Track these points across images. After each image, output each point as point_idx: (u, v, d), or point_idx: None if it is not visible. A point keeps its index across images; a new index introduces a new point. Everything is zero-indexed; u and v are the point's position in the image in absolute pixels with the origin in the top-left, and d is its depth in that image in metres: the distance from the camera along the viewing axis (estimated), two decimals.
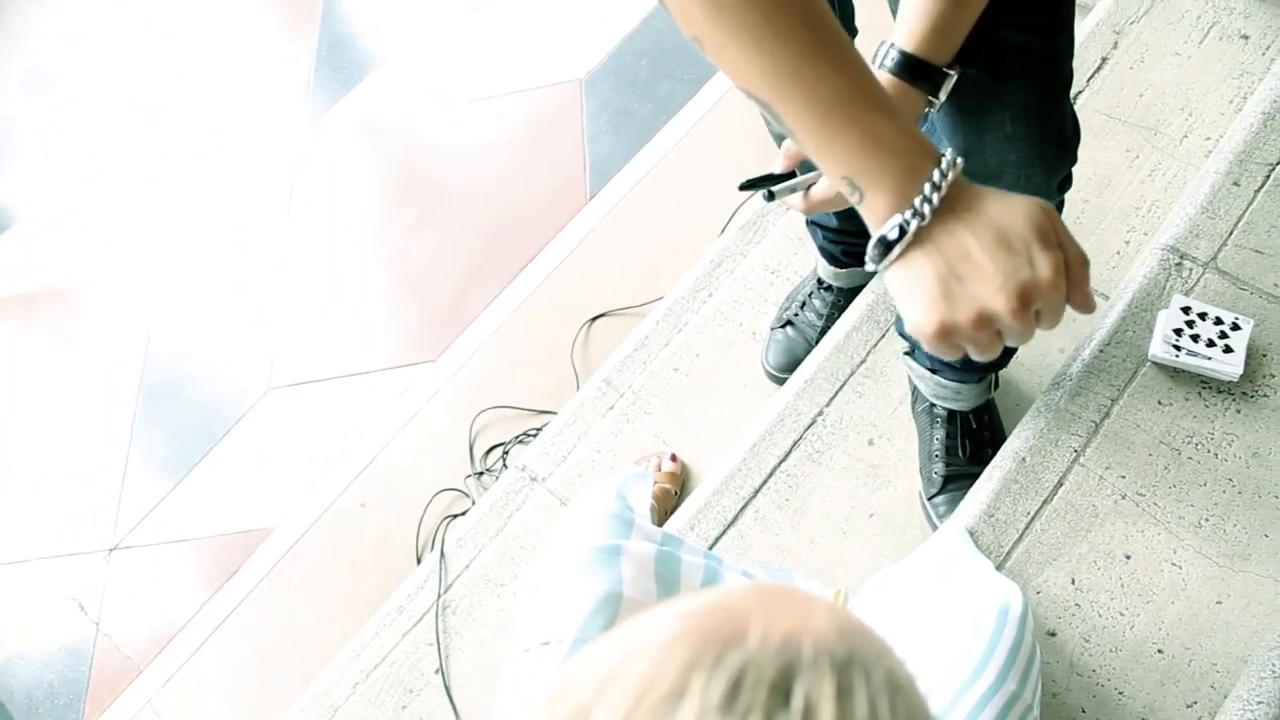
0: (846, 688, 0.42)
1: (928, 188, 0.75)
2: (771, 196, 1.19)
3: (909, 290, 0.78)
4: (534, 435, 2.22)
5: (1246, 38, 2.11)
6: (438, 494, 2.23)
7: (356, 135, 2.93)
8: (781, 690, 0.41)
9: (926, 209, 0.75)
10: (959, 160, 0.77)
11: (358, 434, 2.40)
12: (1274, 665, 1.22)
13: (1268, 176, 1.71)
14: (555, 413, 2.20)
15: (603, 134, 2.73)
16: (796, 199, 1.21)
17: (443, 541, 2.02)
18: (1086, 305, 0.79)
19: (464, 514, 2.14)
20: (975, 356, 0.80)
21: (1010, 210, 0.77)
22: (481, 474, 2.25)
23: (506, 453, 2.26)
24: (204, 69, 3.26)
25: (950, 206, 0.76)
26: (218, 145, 3.05)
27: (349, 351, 2.54)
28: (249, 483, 2.43)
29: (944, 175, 0.76)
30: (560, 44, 2.95)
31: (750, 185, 1.21)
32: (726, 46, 0.76)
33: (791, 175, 1.20)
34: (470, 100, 2.89)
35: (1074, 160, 1.31)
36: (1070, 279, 0.77)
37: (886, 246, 0.77)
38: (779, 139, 1.63)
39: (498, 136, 2.81)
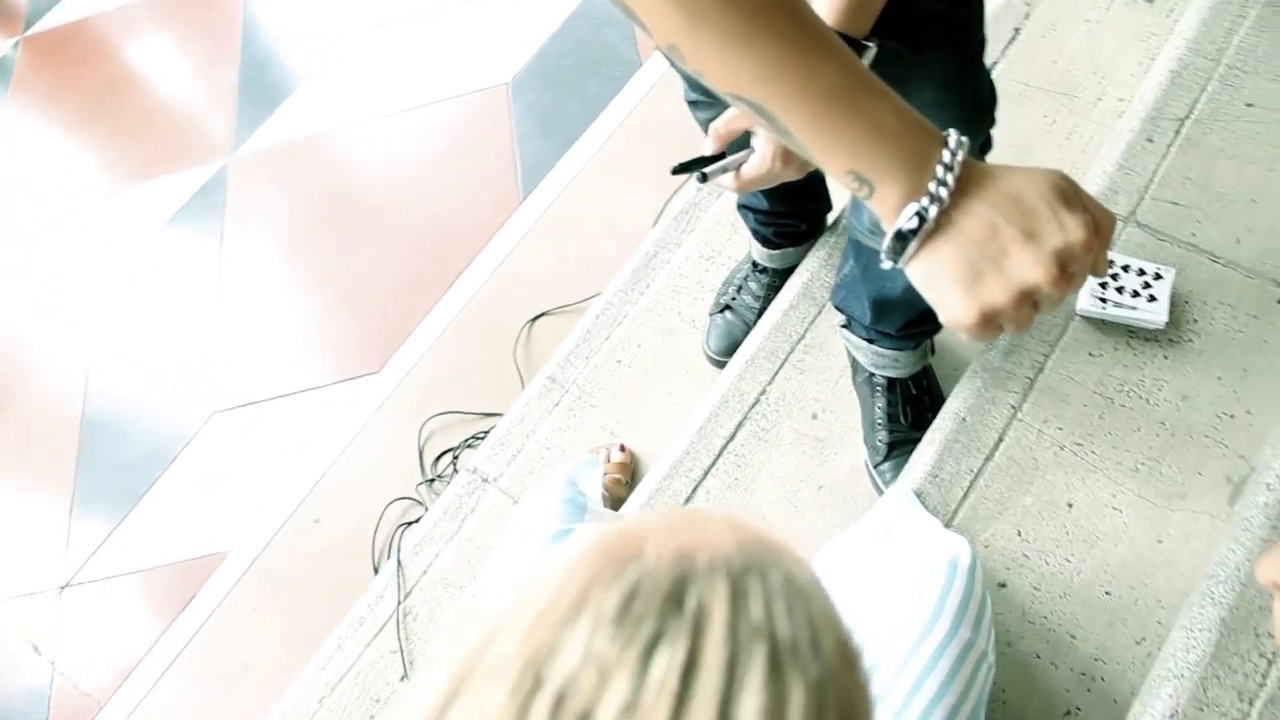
0: (741, 591, 0.43)
1: (940, 170, 0.72)
2: (704, 178, 1.21)
3: (938, 281, 0.74)
4: (482, 438, 2.23)
5: (1151, 1, 2.16)
6: (391, 503, 2.23)
7: (285, 154, 2.93)
8: (675, 598, 0.42)
9: (944, 192, 0.72)
10: (965, 139, 0.73)
11: (306, 450, 2.39)
12: (1213, 592, 1.26)
13: (1178, 132, 1.76)
14: (502, 414, 2.21)
15: (532, 136, 2.75)
16: (728, 179, 1.23)
17: (399, 549, 2.02)
18: (1101, 266, 0.76)
19: (418, 521, 2.14)
20: (1011, 334, 0.77)
21: (1028, 180, 0.74)
22: (433, 480, 2.25)
23: (456, 457, 2.26)
24: (129, 99, 3.23)
25: (964, 187, 0.73)
26: (145, 174, 3.03)
27: (292, 370, 2.53)
28: (199, 508, 2.42)
29: (954, 155, 0.72)
30: (484, 50, 2.96)
31: (683, 169, 1.23)
32: (707, 52, 0.72)
33: (722, 156, 1.23)
34: (397, 112, 2.90)
35: (993, 122, 1.35)
36: (1100, 239, 0.74)
37: (903, 239, 0.73)
38: (705, 124, 1.65)
39: (428, 146, 2.81)
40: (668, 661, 0.40)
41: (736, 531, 0.48)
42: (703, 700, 0.39)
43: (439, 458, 2.27)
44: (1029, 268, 0.71)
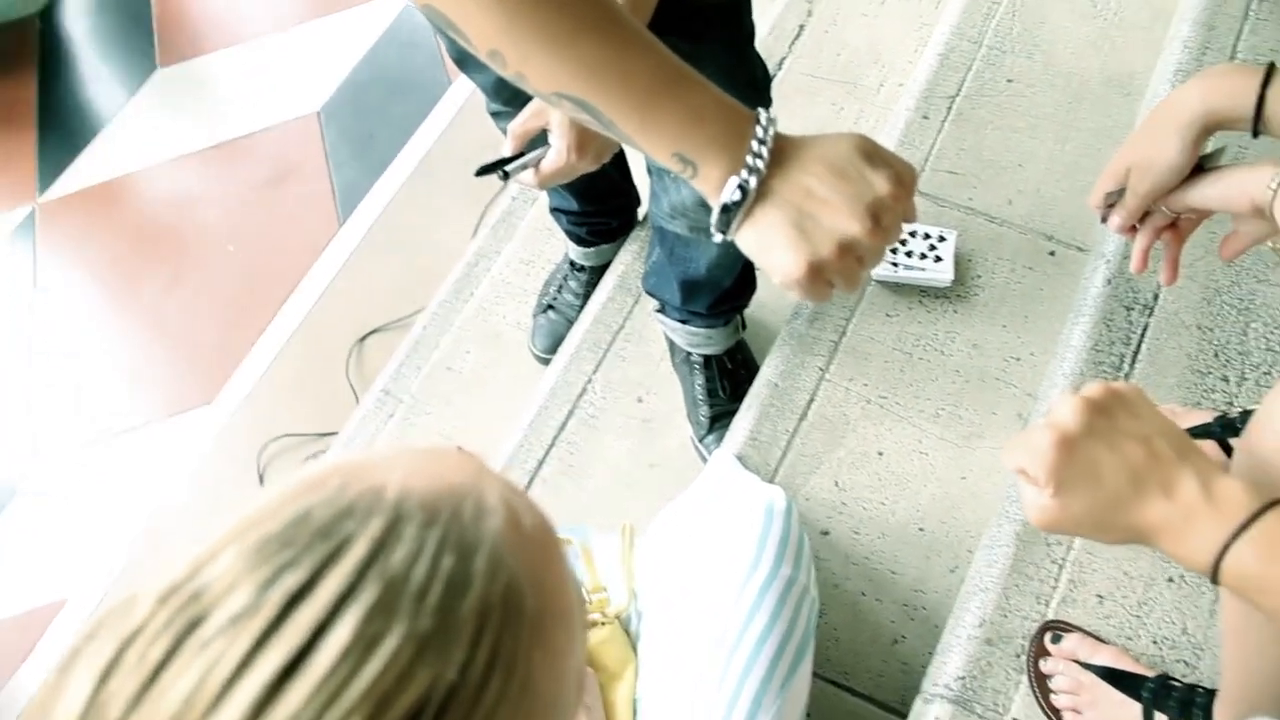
0: (394, 534, 0.44)
1: (755, 144, 0.78)
2: (506, 176, 1.28)
3: (766, 244, 0.80)
4: (321, 456, 2.24)
5: None
6: None
7: (93, 200, 2.87)
8: (327, 530, 0.44)
9: (760, 164, 0.77)
10: (774, 115, 0.80)
11: (143, 486, 2.35)
12: (1008, 512, 1.38)
13: (950, 108, 1.91)
14: (339, 432, 2.23)
15: (346, 162, 2.77)
16: (529, 176, 1.30)
17: None
18: (911, 214, 0.83)
19: None
20: (843, 289, 0.82)
21: (834, 145, 0.80)
22: None
23: None
24: None
25: (779, 158, 0.79)
26: None
27: (120, 410, 2.49)
28: (32, 558, 2.35)
29: (766, 130, 0.79)
30: (291, 81, 2.97)
31: (485, 170, 1.30)
32: (531, 54, 0.77)
33: (521, 155, 1.30)
34: (208, 147, 2.88)
35: (768, 103, 1.45)
36: (905, 189, 0.81)
37: (729, 211, 0.79)
38: (504, 127, 1.72)
39: (242, 178, 2.81)
40: (287, 585, 0.41)
41: (456, 476, 0.49)
42: (297, 624, 0.40)
43: None
44: (846, 221, 0.77)
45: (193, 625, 0.41)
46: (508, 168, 1.28)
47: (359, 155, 2.78)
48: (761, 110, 0.80)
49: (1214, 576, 0.69)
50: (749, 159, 0.78)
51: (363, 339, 2.44)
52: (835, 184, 0.78)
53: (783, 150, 0.80)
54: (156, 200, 2.83)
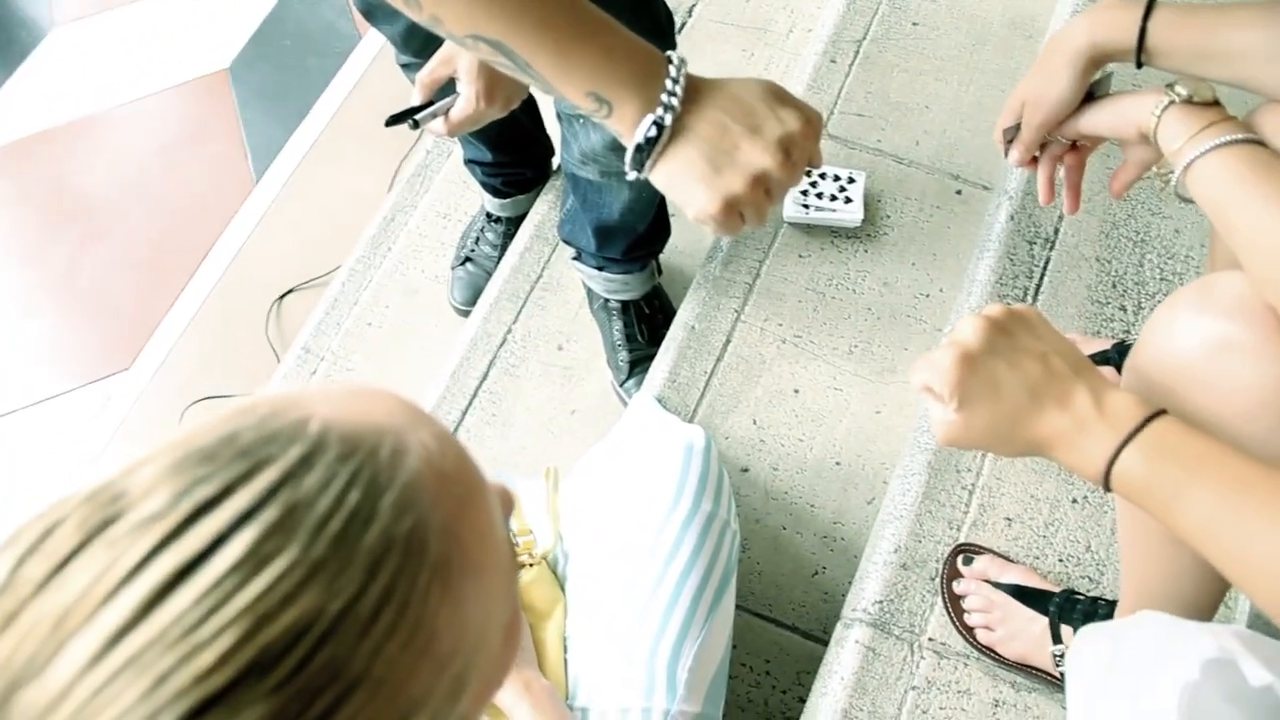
0: (307, 462, 0.45)
1: (669, 84, 0.81)
2: (416, 125, 1.29)
3: (680, 180, 0.83)
4: None
5: None
6: None
7: None
8: (247, 452, 0.45)
9: (675, 101, 0.80)
10: (684, 57, 0.83)
11: (62, 457, 2.32)
12: (919, 441, 1.42)
13: (857, 52, 1.93)
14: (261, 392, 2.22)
15: (258, 119, 2.74)
16: (439, 124, 1.31)
17: None
18: (817, 157, 0.88)
19: None
20: (752, 223, 0.86)
21: (744, 86, 0.84)
22: None
23: None
24: None
25: (692, 96, 0.82)
26: None
27: (33, 379, 2.45)
28: None
29: (679, 69, 0.82)
30: (198, 37, 2.91)
31: (395, 120, 1.30)
32: None
33: (430, 104, 1.30)
34: (114, 107, 2.82)
35: (672, 46, 1.46)
36: (812, 129, 0.85)
37: (643, 150, 0.81)
38: (415, 78, 1.72)
39: (151, 138, 2.76)
40: (197, 496, 0.43)
41: (381, 416, 0.49)
42: (198, 533, 0.42)
43: None
44: (759, 156, 0.81)
45: (106, 523, 0.42)
46: (417, 117, 1.29)
47: (270, 112, 2.75)
48: (672, 52, 0.83)
49: (1106, 483, 0.73)
50: (663, 97, 0.81)
51: (281, 298, 2.42)
52: (747, 120, 0.82)
53: (695, 89, 0.83)
54: (59, 164, 2.77)
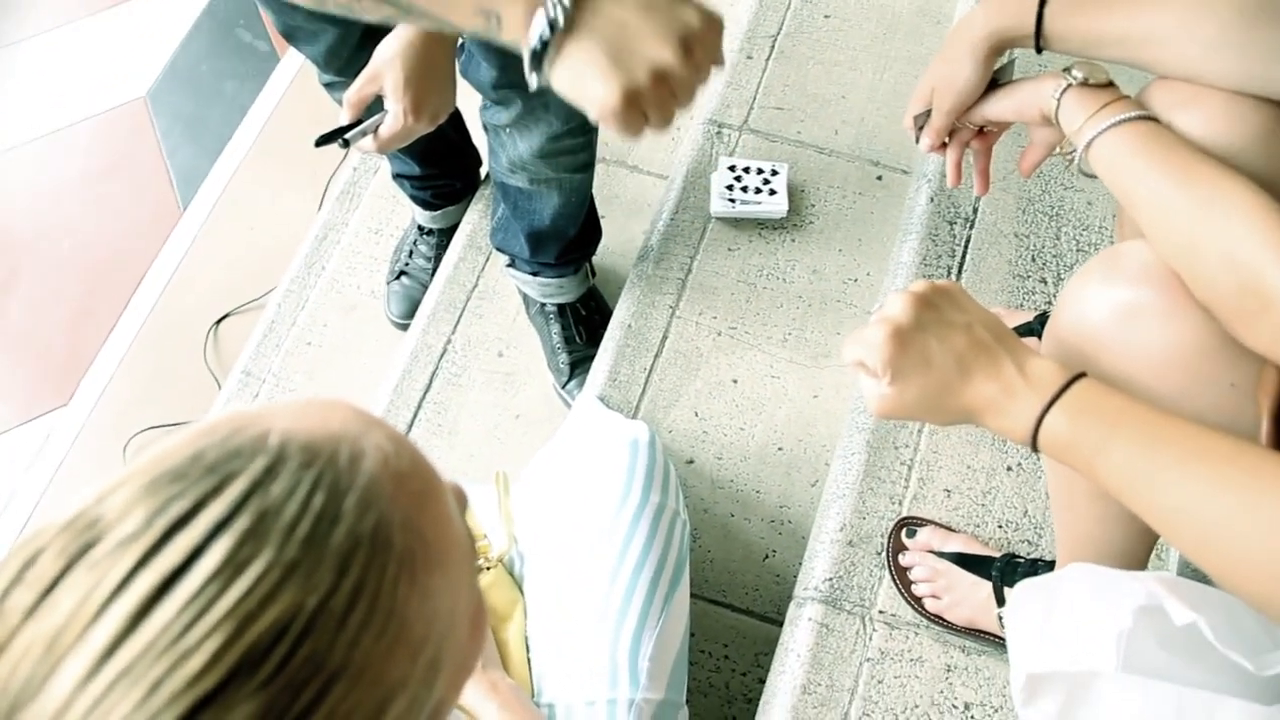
0: (272, 472, 0.48)
1: None
2: (346, 145, 1.31)
3: (581, 77, 0.79)
4: None
5: None
6: None
7: None
8: (215, 468, 0.47)
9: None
10: None
11: (4, 498, 2.31)
12: (857, 421, 1.47)
13: (772, 47, 1.98)
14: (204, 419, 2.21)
15: (181, 145, 2.72)
16: (368, 142, 1.33)
17: None
18: (720, 55, 0.84)
19: None
20: (657, 125, 0.83)
21: None
22: None
23: None
24: None
25: None
26: None
27: None
28: None
29: None
30: (113, 66, 2.89)
31: (324, 140, 1.32)
32: None
33: (359, 123, 1.32)
34: (28, 141, 2.79)
35: None
36: (713, 30, 0.82)
37: (540, 53, 0.78)
38: (339, 97, 1.74)
39: (71, 171, 2.73)
40: (171, 513, 0.45)
41: (336, 425, 0.52)
42: (175, 548, 0.44)
43: None
44: (660, 49, 0.78)
45: (87, 548, 0.45)
46: (347, 136, 1.31)
47: (193, 137, 2.74)
48: None
49: (1034, 445, 0.77)
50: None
51: (218, 323, 2.42)
52: (646, 15, 0.79)
53: None
54: None
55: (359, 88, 1.32)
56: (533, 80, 0.81)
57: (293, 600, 0.45)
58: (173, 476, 0.47)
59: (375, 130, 1.32)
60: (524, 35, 0.79)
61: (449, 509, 0.56)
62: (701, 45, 0.81)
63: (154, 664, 0.42)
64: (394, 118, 1.29)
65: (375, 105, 1.33)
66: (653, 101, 0.80)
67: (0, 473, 2.35)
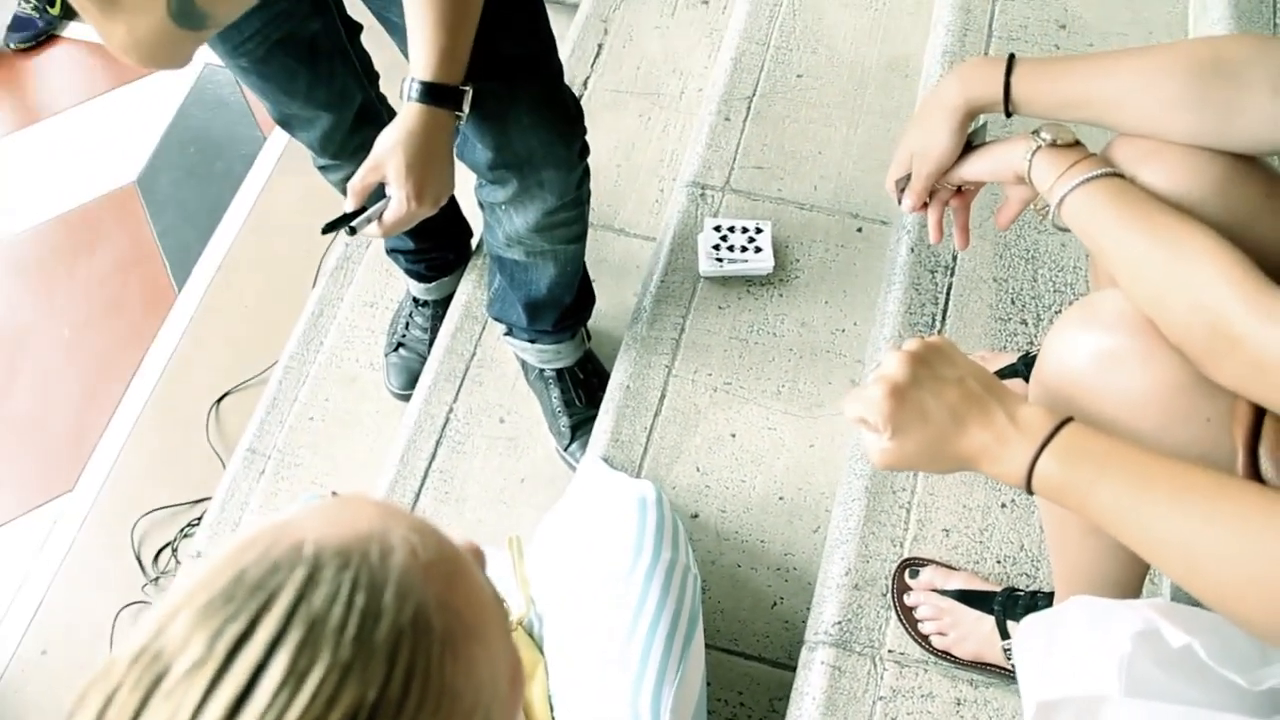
0: (314, 580, 0.52)
1: None
2: (353, 231, 1.36)
3: None
4: (197, 524, 2.26)
5: (706, 3, 2.47)
6: (121, 611, 2.23)
7: None
8: (259, 584, 0.52)
9: None
10: None
11: (15, 585, 2.33)
12: (855, 469, 1.52)
13: (749, 108, 2.05)
14: (210, 497, 2.25)
15: (172, 228, 2.78)
16: (373, 228, 1.38)
17: None
18: None
19: None
20: None
21: None
22: (157, 579, 2.26)
23: (175, 549, 2.28)
24: None
25: None
26: None
27: None
28: None
29: None
30: (101, 154, 2.96)
31: (332, 226, 1.38)
32: None
33: (363, 210, 1.38)
34: (23, 230, 2.85)
35: (584, 131, 1.56)
36: None
37: None
38: (338, 184, 1.80)
39: (65, 258, 2.79)
40: (229, 635, 0.49)
41: (363, 525, 0.56)
42: (240, 667, 0.48)
43: (158, 555, 2.29)
44: None
45: (158, 679, 0.49)
46: (354, 223, 1.36)
47: (184, 220, 2.80)
48: None
49: (1028, 487, 0.83)
50: None
51: (219, 401, 2.47)
52: None
53: None
54: None
55: (362, 176, 1.37)
56: None
57: (354, 697, 0.49)
58: (223, 600, 0.51)
59: (380, 216, 1.37)
60: None
61: (478, 580, 0.60)
62: None
63: None
64: (397, 204, 1.35)
65: (378, 191, 1.39)
66: None
67: (10, 559, 2.38)
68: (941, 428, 0.86)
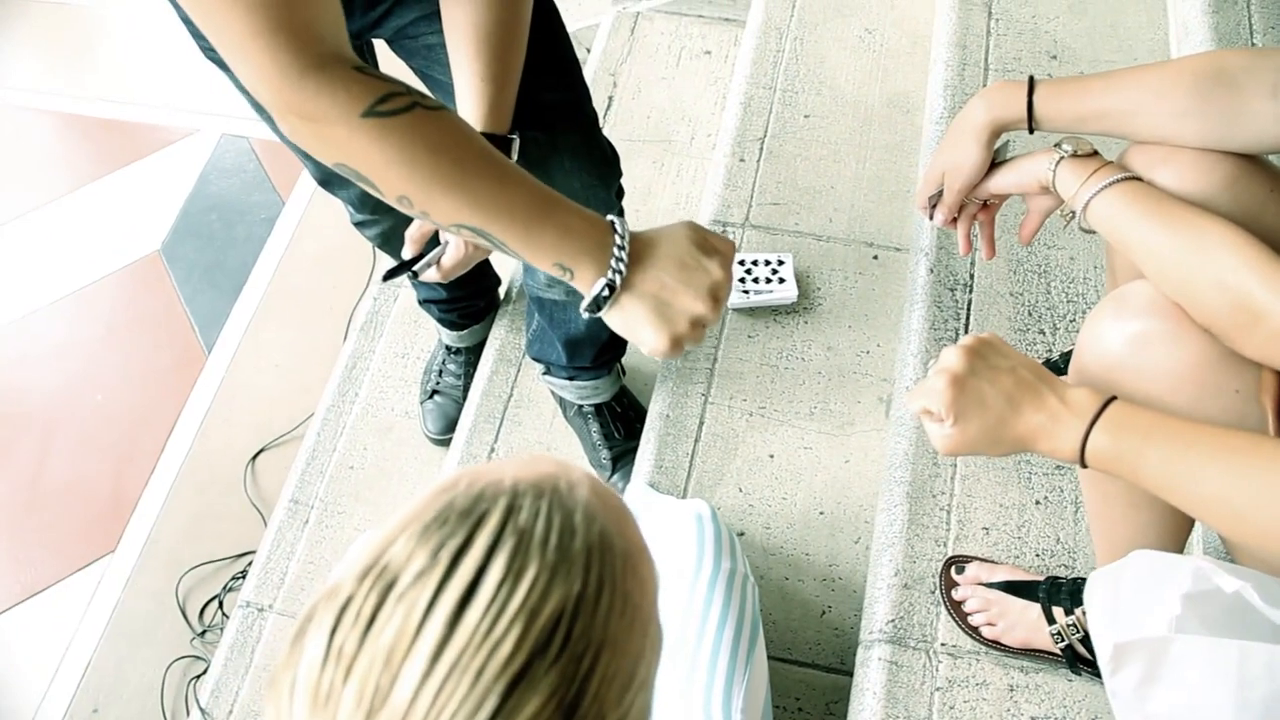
0: (516, 506, 0.61)
1: (616, 251, 1.03)
2: (415, 276, 1.45)
3: (633, 324, 1.06)
4: (242, 577, 2.32)
5: (709, 53, 2.59)
6: (169, 667, 2.28)
7: None
8: (469, 510, 0.60)
9: (621, 266, 1.03)
10: (624, 221, 1.06)
11: (63, 645, 2.39)
12: (894, 475, 1.61)
13: (761, 149, 2.16)
14: (254, 551, 2.32)
15: (199, 292, 2.87)
16: (433, 272, 1.47)
17: (197, 701, 2.09)
18: (730, 285, 1.11)
19: (205, 672, 2.21)
20: (692, 347, 1.14)
21: (674, 240, 1.07)
22: (204, 632, 2.32)
23: (222, 603, 2.34)
24: None
25: (635, 258, 1.05)
26: None
27: (21, 577, 2.51)
28: None
29: (623, 238, 1.04)
30: (124, 225, 3.05)
31: (393, 274, 1.46)
32: (433, 196, 1.00)
33: (422, 256, 1.47)
34: (52, 303, 2.92)
35: (620, 174, 1.66)
36: (728, 262, 1.09)
37: (599, 303, 1.04)
38: (376, 239, 1.89)
39: (95, 327, 2.86)
40: (450, 547, 0.58)
41: (548, 468, 0.66)
42: (464, 570, 0.57)
43: (203, 609, 2.35)
44: (694, 303, 1.05)
45: (389, 587, 0.58)
46: (415, 268, 1.45)
47: (210, 284, 2.89)
48: (615, 219, 1.06)
49: (1082, 461, 0.92)
50: (612, 263, 1.04)
51: (254, 458, 2.54)
52: (681, 275, 1.05)
53: (637, 251, 1.06)
54: (8, 363, 2.86)
55: (420, 224, 1.46)
56: (587, 315, 1.07)
57: (562, 594, 0.58)
58: (438, 524, 0.60)
59: (439, 261, 1.46)
60: (587, 288, 1.05)
61: (635, 521, 0.71)
62: (723, 289, 1.08)
63: (474, 656, 0.55)
64: (455, 248, 1.43)
65: (434, 238, 1.47)
66: (690, 339, 1.08)
67: (57, 619, 2.44)
68: (999, 412, 0.95)
